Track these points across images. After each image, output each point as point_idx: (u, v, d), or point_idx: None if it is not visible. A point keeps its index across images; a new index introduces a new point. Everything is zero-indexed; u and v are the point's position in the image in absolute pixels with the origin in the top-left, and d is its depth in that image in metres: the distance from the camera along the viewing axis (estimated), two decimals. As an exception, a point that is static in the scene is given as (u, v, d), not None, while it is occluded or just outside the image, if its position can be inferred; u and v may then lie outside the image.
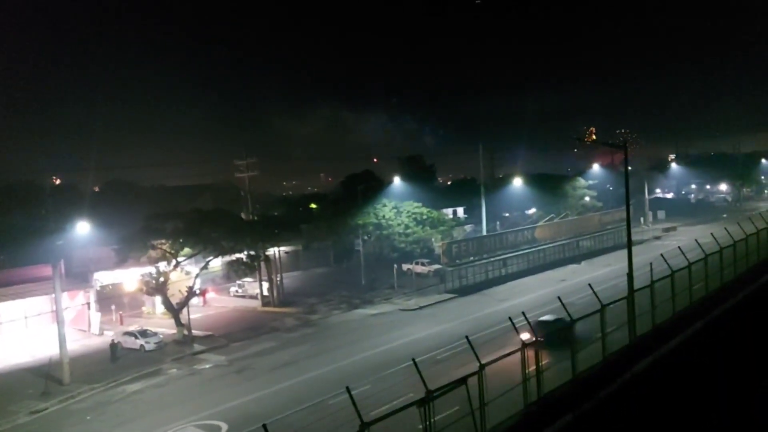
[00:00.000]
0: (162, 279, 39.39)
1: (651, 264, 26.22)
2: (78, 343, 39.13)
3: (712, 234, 32.87)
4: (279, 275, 50.52)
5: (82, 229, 38.33)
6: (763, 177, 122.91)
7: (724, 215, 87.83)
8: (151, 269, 39.71)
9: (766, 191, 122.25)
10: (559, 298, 21.18)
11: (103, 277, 45.40)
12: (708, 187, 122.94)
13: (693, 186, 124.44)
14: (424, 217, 55.59)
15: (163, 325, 41.64)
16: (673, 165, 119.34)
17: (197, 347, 37.41)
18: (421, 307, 44.69)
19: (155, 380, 32.14)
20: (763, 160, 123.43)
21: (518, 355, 17.17)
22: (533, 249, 61.18)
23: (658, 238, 72.22)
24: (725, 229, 34.92)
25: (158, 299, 42.33)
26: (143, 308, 47.74)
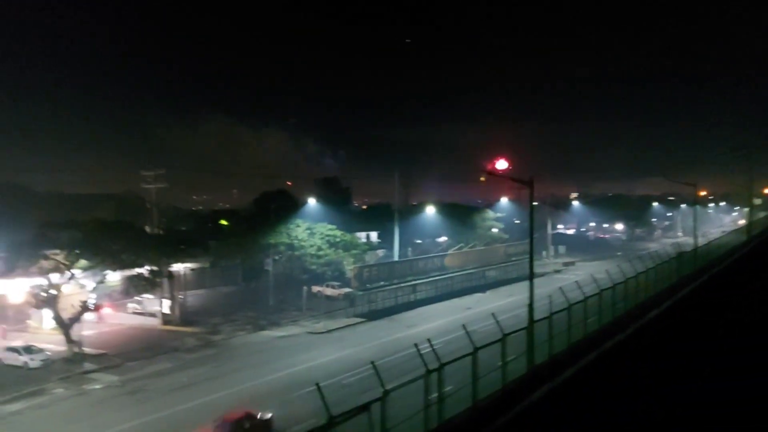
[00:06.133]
0: (53, 292, 36.91)
1: (550, 297, 27.39)
2: (-50, 358, 35.78)
3: (606, 270, 34.88)
4: (183, 293, 48.63)
5: (-35, 233, 35.34)
6: (654, 219, 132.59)
7: (619, 253, 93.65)
8: (42, 281, 37.14)
9: (655, 233, 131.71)
10: (464, 326, 21.63)
11: (-15, 287, 41.87)
12: (605, 225, 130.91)
13: (592, 224, 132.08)
14: (337, 239, 55.56)
15: (51, 342, 38.84)
16: (575, 203, 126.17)
17: (88, 366, 35.20)
18: (329, 331, 44.35)
19: (38, 400, 29.91)
20: (654, 204, 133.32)
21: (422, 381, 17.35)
22: (442, 276, 62.60)
23: (558, 271, 75.80)
24: (618, 266, 37.18)
25: (47, 313, 39.53)
26: (29, 322, 44.42)
